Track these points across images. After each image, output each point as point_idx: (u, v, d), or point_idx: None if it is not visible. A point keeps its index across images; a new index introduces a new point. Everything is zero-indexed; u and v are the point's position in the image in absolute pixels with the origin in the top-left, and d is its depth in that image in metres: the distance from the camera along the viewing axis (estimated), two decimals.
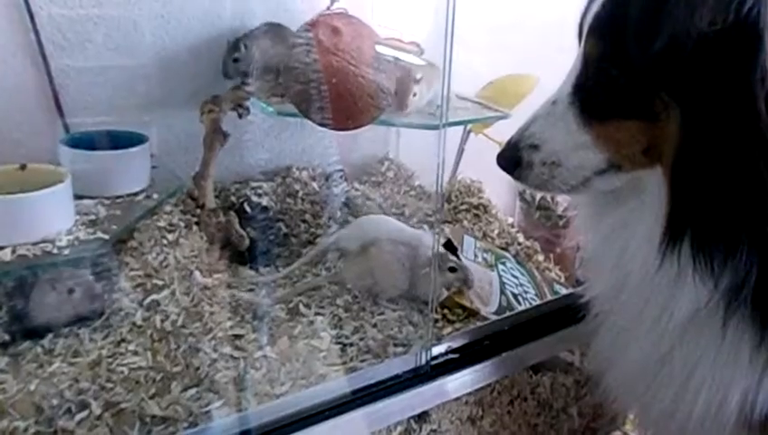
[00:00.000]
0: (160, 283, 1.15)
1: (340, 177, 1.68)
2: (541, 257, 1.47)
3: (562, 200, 1.85)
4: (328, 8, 1.27)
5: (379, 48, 1.28)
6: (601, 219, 0.92)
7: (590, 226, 0.98)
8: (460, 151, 1.75)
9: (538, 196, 1.86)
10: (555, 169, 0.84)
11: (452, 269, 1.24)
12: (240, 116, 1.45)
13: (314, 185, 1.60)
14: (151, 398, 0.97)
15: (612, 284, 0.91)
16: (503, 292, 1.29)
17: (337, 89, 1.19)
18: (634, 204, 0.84)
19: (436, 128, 1.39)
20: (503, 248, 1.47)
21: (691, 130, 0.74)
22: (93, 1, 1.38)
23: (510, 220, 1.61)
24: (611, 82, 0.78)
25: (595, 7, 0.80)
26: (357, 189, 1.61)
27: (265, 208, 1.48)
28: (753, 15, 0.67)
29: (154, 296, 1.13)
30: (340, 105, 1.21)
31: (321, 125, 1.27)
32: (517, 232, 1.55)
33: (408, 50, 1.51)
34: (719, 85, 0.71)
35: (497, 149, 1.72)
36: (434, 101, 1.50)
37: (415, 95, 1.39)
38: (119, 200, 1.26)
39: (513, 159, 0.87)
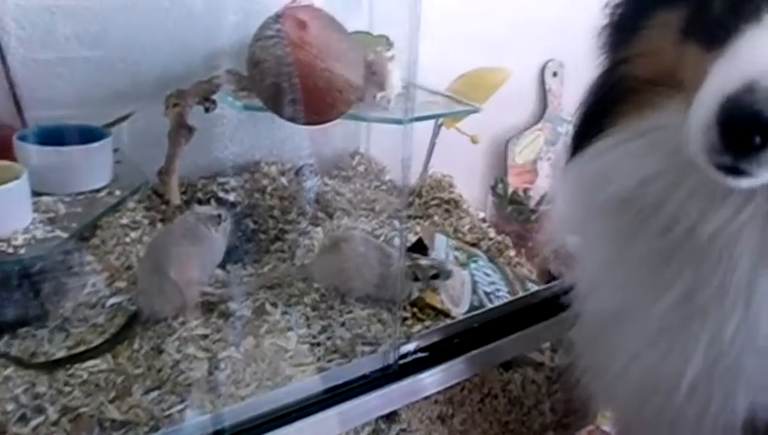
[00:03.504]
0: (122, 283, 1.12)
1: (310, 171, 1.66)
2: (512, 253, 1.46)
3: (535, 195, 1.84)
4: (294, 0, 1.24)
5: (347, 38, 1.26)
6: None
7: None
8: (431, 146, 1.73)
9: (510, 190, 1.86)
10: None
11: (434, 277, 1.22)
12: (207, 110, 1.42)
13: (283, 180, 1.58)
14: (111, 401, 0.94)
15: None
16: (474, 291, 1.27)
17: (304, 83, 1.16)
18: None
19: (402, 122, 1.38)
20: (474, 244, 1.45)
21: None
22: None
23: (481, 215, 1.60)
24: None
25: None
26: (327, 184, 1.58)
27: (233, 204, 1.45)
28: None
29: (116, 296, 1.10)
30: (307, 100, 1.19)
31: (289, 120, 1.24)
32: (488, 227, 1.53)
33: (378, 43, 1.49)
34: None
35: (468, 143, 1.73)
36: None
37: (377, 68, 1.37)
38: (80, 197, 1.22)
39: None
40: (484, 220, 1.69)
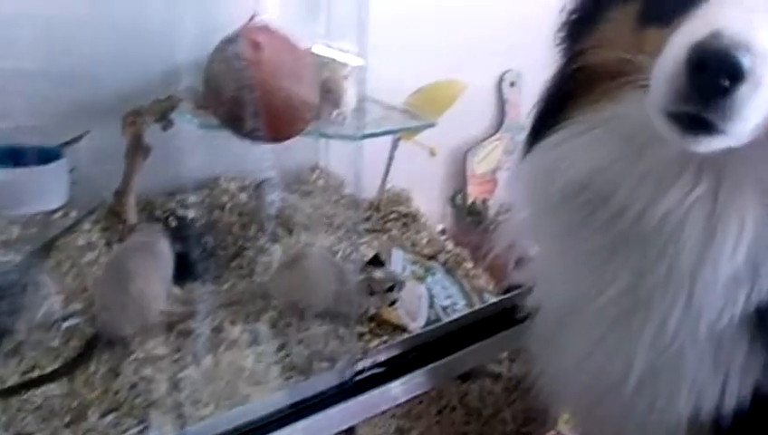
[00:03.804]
0: (79, 304, 1.12)
1: (270, 187, 1.66)
2: (470, 265, 1.49)
3: (494, 205, 1.87)
4: (249, 21, 1.25)
5: (303, 56, 1.28)
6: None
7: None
8: (390, 159, 1.75)
9: (469, 201, 1.88)
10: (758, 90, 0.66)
11: (389, 289, 1.24)
12: (164, 128, 1.42)
13: (243, 196, 1.58)
14: (66, 426, 0.94)
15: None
16: (431, 305, 1.30)
17: (260, 104, 1.18)
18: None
19: (357, 138, 1.40)
20: (431, 257, 1.48)
21: None
22: None
23: (440, 228, 1.62)
24: None
25: None
26: (286, 200, 1.59)
27: (192, 221, 1.45)
28: None
29: (72, 318, 1.10)
30: (263, 120, 1.20)
31: (246, 139, 1.26)
32: (446, 240, 1.56)
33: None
34: None
35: (427, 156, 1.75)
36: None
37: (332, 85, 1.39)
38: (34, 219, 1.22)
39: (734, 61, 0.63)
40: (443, 232, 1.72)
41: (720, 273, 0.76)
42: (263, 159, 1.62)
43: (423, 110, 1.65)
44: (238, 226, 1.49)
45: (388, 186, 1.76)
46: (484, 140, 2.13)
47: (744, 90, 0.63)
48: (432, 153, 1.73)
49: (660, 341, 0.81)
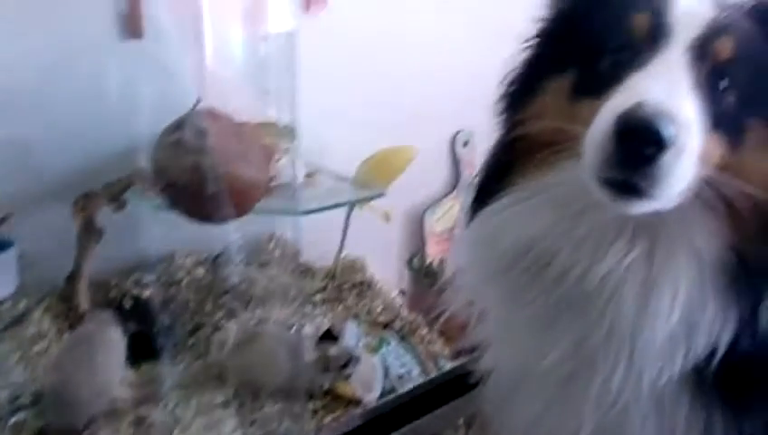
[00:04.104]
0: (27, 398, 1.12)
1: (227, 260, 1.68)
2: (425, 331, 1.50)
3: (450, 264, 1.89)
4: (193, 107, 1.28)
5: (249, 138, 1.31)
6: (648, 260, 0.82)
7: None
8: (345, 226, 1.77)
9: (427, 261, 1.91)
10: (680, 158, 0.70)
11: (344, 365, 1.25)
12: (116, 210, 1.43)
13: (200, 271, 1.60)
14: None
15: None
16: (386, 376, 1.31)
17: (206, 188, 1.20)
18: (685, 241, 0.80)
19: (306, 213, 1.43)
20: (387, 325, 1.49)
21: None
22: None
23: (394, 294, 1.64)
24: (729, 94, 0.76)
25: (689, 4, 0.79)
26: (243, 273, 1.60)
27: (147, 301, 1.46)
28: None
29: (20, 412, 1.10)
30: (211, 203, 1.22)
31: (196, 221, 1.28)
32: (402, 306, 1.58)
33: (283, 133, 1.54)
34: None
35: (382, 222, 1.78)
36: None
37: (279, 160, 1.42)
38: None
39: (653, 131, 0.68)
40: (402, 292, 1.74)
41: (657, 333, 0.79)
42: (219, 232, 1.64)
43: (375, 177, 1.69)
44: (194, 302, 1.50)
45: (345, 253, 1.78)
46: (441, 199, 2.17)
47: (667, 157, 0.68)
48: (386, 218, 1.75)
49: (605, 400, 0.83)
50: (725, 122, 0.76)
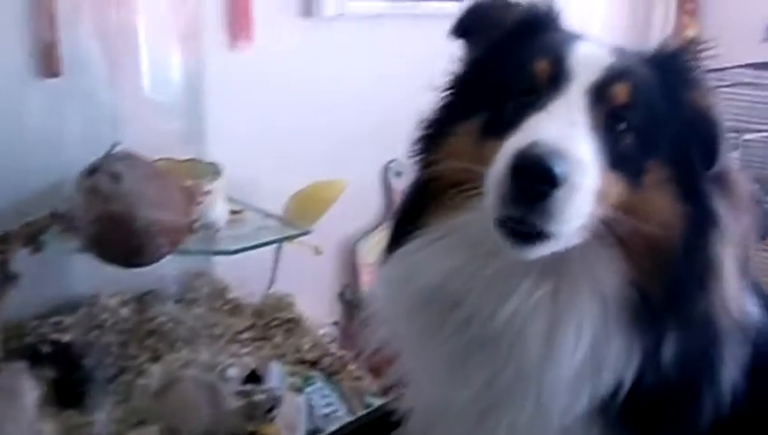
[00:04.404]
0: None
1: (154, 298, 1.65)
2: (353, 367, 1.51)
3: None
4: (109, 151, 1.27)
5: (168, 180, 1.30)
6: (552, 298, 0.84)
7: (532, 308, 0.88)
8: (275, 262, 1.77)
9: (358, 293, 1.92)
10: (573, 196, 0.74)
11: (269, 410, 1.25)
12: (33, 252, 1.40)
13: (125, 311, 1.56)
14: None
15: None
16: (311, 415, 1.31)
17: (120, 234, 1.19)
18: (588, 278, 0.83)
19: (231, 253, 1.42)
20: (315, 363, 1.49)
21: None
22: None
23: (324, 330, 1.64)
24: (627, 136, 0.80)
25: (595, 59, 0.83)
26: (170, 312, 1.58)
27: (67, 346, 1.42)
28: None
29: None
30: (126, 248, 1.21)
31: (112, 265, 1.26)
32: (330, 342, 1.58)
33: (207, 171, 1.54)
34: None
35: (312, 256, 1.78)
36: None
37: (200, 203, 1.41)
38: None
39: (546, 170, 0.71)
40: (335, 324, 1.74)
41: (564, 370, 0.82)
42: (146, 270, 1.62)
43: (304, 212, 1.69)
44: (118, 344, 1.47)
45: (275, 289, 1.77)
46: (374, 229, 2.18)
47: (561, 194, 0.71)
48: (317, 252, 1.75)
49: None
50: (624, 163, 0.80)
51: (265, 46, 1.77)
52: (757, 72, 2.51)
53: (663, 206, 0.82)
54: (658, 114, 0.84)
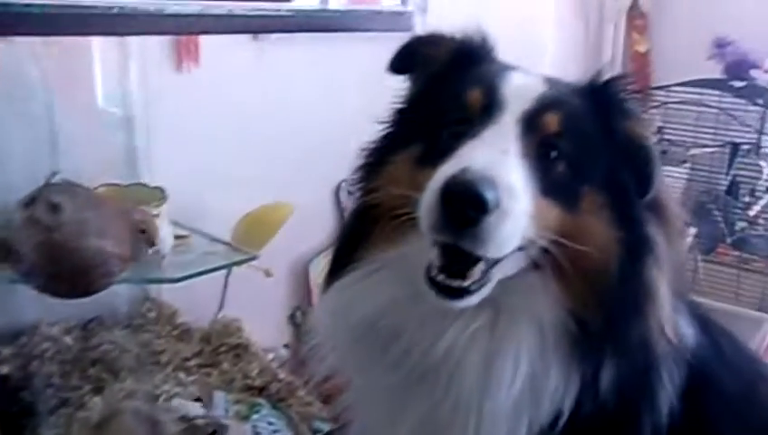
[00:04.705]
0: None
1: (99, 325, 1.62)
2: (302, 392, 1.49)
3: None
4: (47, 182, 1.24)
5: (109, 209, 1.27)
6: (489, 332, 0.85)
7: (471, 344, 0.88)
8: (225, 286, 1.75)
9: (308, 317, 1.90)
10: (505, 221, 0.75)
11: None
12: None
13: (67, 340, 1.53)
14: None
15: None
16: None
17: (60, 264, 1.16)
18: (526, 312, 0.84)
19: (175, 281, 1.40)
20: (262, 389, 1.47)
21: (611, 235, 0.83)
22: None
23: (271, 356, 1.62)
24: (560, 164, 0.82)
25: (528, 89, 0.86)
26: (114, 341, 1.54)
27: (5, 378, 1.39)
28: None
29: None
30: (66, 279, 1.18)
31: (52, 296, 1.23)
32: (279, 367, 1.56)
33: (152, 196, 1.51)
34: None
35: (263, 279, 1.76)
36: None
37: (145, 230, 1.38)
38: None
39: (477, 197, 0.73)
40: (286, 347, 1.72)
41: (502, 402, 0.83)
42: (91, 297, 1.59)
43: (252, 235, 1.67)
44: (59, 375, 1.43)
45: (225, 312, 1.75)
46: (326, 249, 2.17)
47: (491, 219, 0.72)
48: (268, 274, 1.73)
49: None
50: (557, 189, 0.82)
51: (212, 68, 1.75)
52: (703, 90, 2.57)
53: (598, 231, 0.83)
54: (591, 143, 0.86)
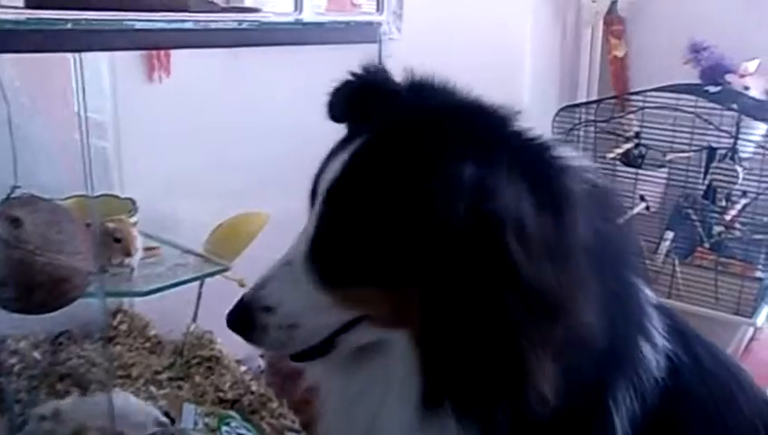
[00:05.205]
0: None
1: (68, 339, 1.60)
2: (275, 404, 1.48)
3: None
4: (8, 196, 1.22)
5: (73, 224, 1.26)
6: (347, 382, 0.88)
7: (332, 388, 0.93)
8: (198, 297, 1.73)
9: None
10: (293, 330, 0.79)
11: None
12: None
13: (36, 355, 1.51)
14: None
15: None
16: None
17: (23, 280, 1.14)
18: (383, 367, 0.81)
19: (143, 295, 1.39)
20: (235, 401, 1.46)
21: (432, 305, 0.73)
22: None
23: (244, 368, 1.61)
24: (348, 248, 0.75)
25: (333, 169, 0.79)
26: (82, 356, 1.53)
27: None
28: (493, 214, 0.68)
29: None
30: (30, 295, 1.16)
31: (17, 313, 1.22)
32: (251, 380, 1.55)
33: (123, 207, 1.50)
34: (456, 271, 0.71)
35: (238, 289, 1.74)
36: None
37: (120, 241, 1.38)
38: None
39: (245, 322, 0.80)
40: (262, 356, 1.70)
41: None
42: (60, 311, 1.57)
43: (225, 247, 1.65)
44: (27, 391, 1.42)
45: (199, 322, 1.73)
46: None
47: (255, 335, 0.81)
48: (241, 285, 1.72)
49: None
50: (349, 273, 0.78)
51: (184, 77, 1.74)
52: (680, 94, 2.58)
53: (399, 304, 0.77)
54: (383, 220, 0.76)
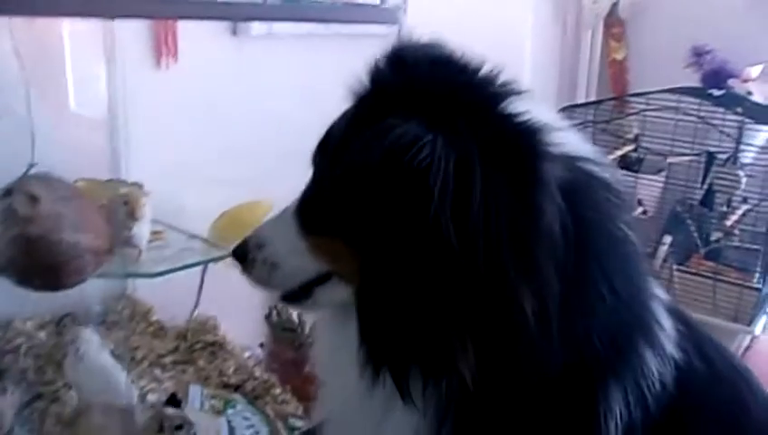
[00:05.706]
0: None
1: (73, 322, 1.61)
2: (278, 390, 1.49)
3: (309, 321, 1.89)
4: (25, 172, 1.23)
5: (87, 203, 1.27)
6: (327, 342, 0.97)
7: (319, 349, 1.04)
8: (201, 284, 1.74)
9: (284, 316, 1.89)
10: (275, 269, 0.88)
11: (178, 427, 1.22)
12: None
13: (42, 335, 1.52)
14: None
15: (332, 410, 0.95)
16: None
17: (39, 257, 1.15)
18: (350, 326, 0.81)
19: (152, 276, 1.40)
20: (239, 386, 1.47)
21: (368, 266, 0.76)
22: None
23: (247, 354, 1.62)
24: (319, 200, 0.85)
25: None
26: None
27: None
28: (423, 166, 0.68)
29: None
30: (45, 272, 1.17)
31: (31, 289, 1.22)
32: (255, 366, 1.56)
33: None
34: (390, 221, 0.71)
35: (240, 277, 1.76)
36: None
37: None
38: None
39: (243, 253, 0.91)
40: (261, 345, 1.71)
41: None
42: (65, 292, 1.57)
43: (230, 233, 1.66)
44: (33, 370, 1.42)
45: (201, 310, 1.74)
46: None
47: (246, 267, 0.92)
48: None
49: None
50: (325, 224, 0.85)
51: (191, 64, 1.75)
52: (681, 97, 2.59)
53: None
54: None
